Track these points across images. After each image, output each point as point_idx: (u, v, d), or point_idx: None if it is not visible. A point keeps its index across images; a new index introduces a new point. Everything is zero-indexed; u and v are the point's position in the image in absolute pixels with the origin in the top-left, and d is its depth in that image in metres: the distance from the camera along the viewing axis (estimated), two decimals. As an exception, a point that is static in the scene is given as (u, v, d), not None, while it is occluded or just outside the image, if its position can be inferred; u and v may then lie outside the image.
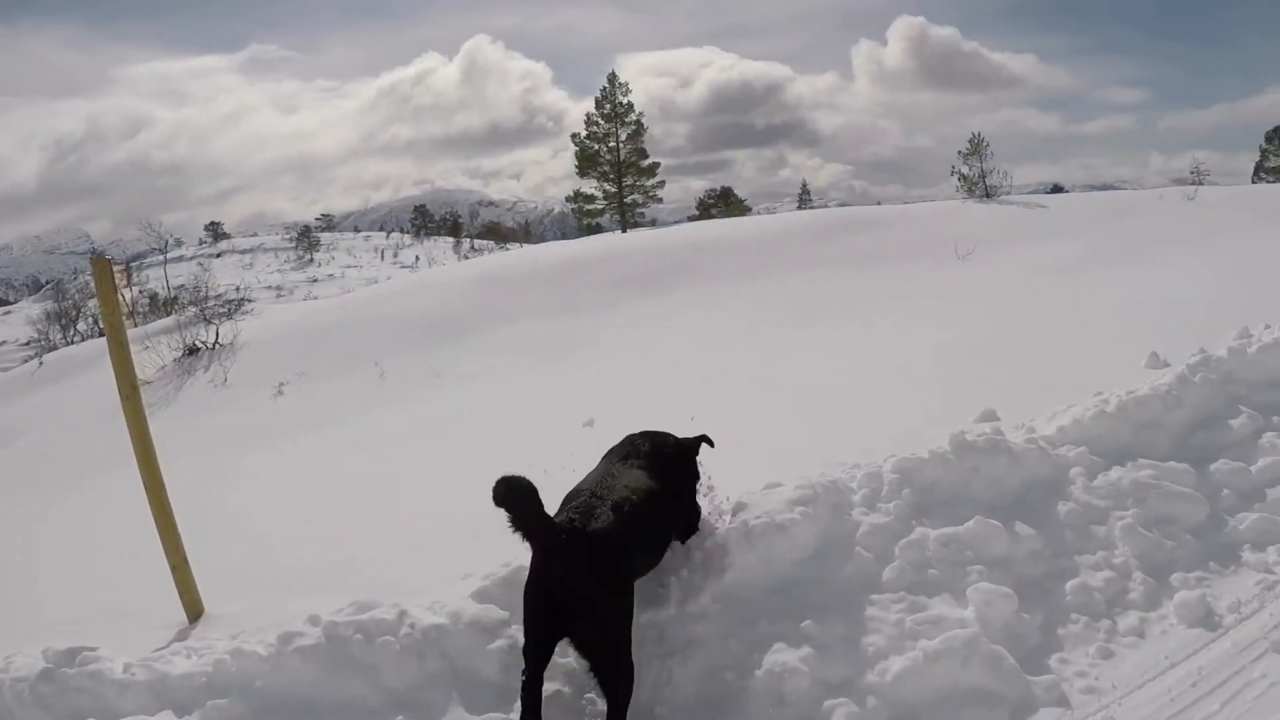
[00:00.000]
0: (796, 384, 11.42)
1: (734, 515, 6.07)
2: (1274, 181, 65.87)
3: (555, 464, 7.87)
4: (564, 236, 73.85)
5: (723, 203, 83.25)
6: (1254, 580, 6.08)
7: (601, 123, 61.84)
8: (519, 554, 5.63)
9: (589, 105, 63.39)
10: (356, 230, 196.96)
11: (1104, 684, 5.16)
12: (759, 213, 73.96)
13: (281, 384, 18.73)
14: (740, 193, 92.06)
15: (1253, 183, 66.45)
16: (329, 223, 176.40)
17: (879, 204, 56.50)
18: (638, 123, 62.34)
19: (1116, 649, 5.46)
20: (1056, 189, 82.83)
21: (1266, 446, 7.47)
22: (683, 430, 6.54)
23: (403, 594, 5.74)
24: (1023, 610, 5.57)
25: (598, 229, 60.83)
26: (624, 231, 52.78)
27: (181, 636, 6.10)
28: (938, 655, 5.05)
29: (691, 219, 73.18)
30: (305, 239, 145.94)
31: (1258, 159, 77.21)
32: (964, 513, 6.29)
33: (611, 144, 61.90)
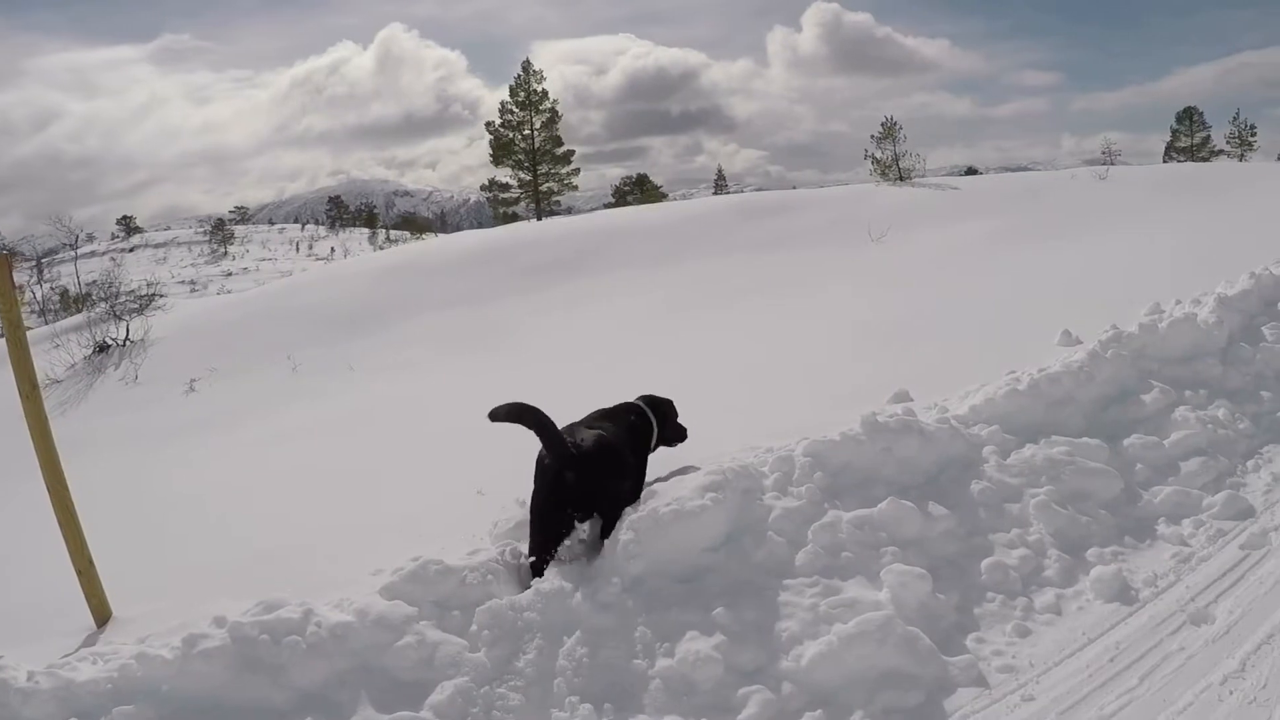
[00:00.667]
0: (710, 368, 11.45)
1: (644, 503, 6.00)
2: (1184, 161, 67.11)
3: (473, 457, 7.84)
4: (480, 226, 73.75)
5: (639, 190, 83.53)
6: (1169, 554, 6.13)
7: (516, 111, 61.70)
8: (427, 548, 5.89)
9: (504, 94, 63.36)
10: (271, 223, 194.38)
11: (1021, 662, 5.15)
12: (675, 199, 74.23)
13: (193, 380, 18.62)
14: (656, 180, 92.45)
15: (1164, 162, 67.73)
16: (243, 215, 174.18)
17: (794, 188, 56.89)
18: (552, 110, 62.29)
19: (1033, 626, 5.45)
20: (970, 171, 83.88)
21: (1179, 420, 7.59)
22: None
23: (313, 592, 5.63)
24: (938, 590, 5.55)
25: (513, 218, 60.76)
26: (539, 220, 52.74)
27: (89, 642, 5.93)
28: (852, 638, 5.01)
29: (608, 206, 73.29)
30: (219, 232, 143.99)
31: (1168, 139, 78.61)
32: (877, 494, 6.28)
33: (526, 132, 61.80)
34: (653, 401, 7.12)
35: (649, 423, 6.93)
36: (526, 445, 7.38)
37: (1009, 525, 6.28)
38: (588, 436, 6.16)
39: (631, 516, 5.86)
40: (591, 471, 5.97)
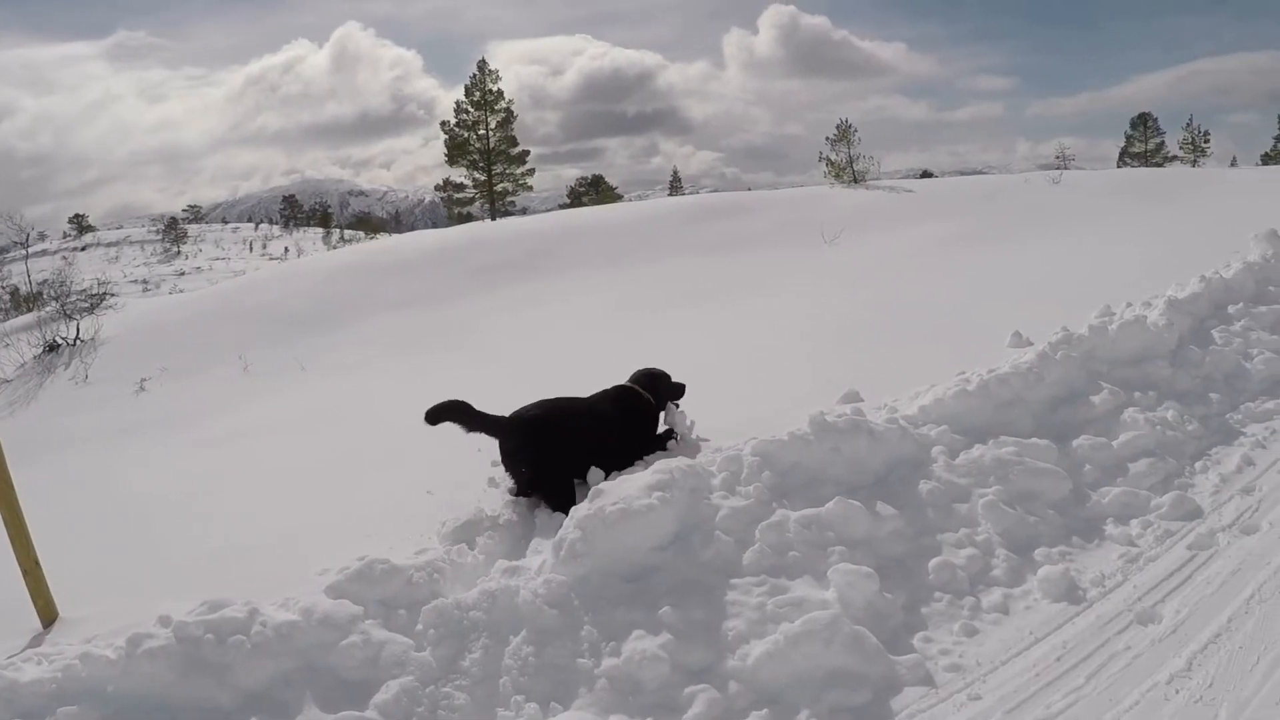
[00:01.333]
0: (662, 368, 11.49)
1: (591, 502, 6.01)
2: (1138, 166, 67.82)
3: (423, 457, 7.82)
4: (435, 226, 73.74)
5: (594, 191, 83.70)
6: (1117, 553, 6.21)
7: (471, 111, 61.68)
8: (373, 547, 5.98)
9: (460, 93, 63.33)
10: (225, 222, 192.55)
11: (968, 661, 5.20)
12: (631, 200, 74.37)
13: (144, 380, 18.55)
14: (612, 181, 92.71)
15: (1118, 167, 68.43)
16: (196, 214, 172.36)
17: (750, 190, 57.09)
18: (508, 110, 62.31)
19: (980, 626, 5.50)
20: (926, 174, 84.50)
21: (1128, 421, 7.68)
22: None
23: (260, 592, 5.62)
24: (885, 590, 5.58)
25: (468, 218, 60.73)
26: (493, 220, 52.69)
27: (34, 643, 5.87)
28: (799, 638, 5.04)
29: (563, 207, 73.31)
30: (172, 231, 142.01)
31: (1123, 145, 79.46)
32: (825, 494, 6.31)
33: (481, 132, 61.81)
34: (642, 376, 8.24)
35: (638, 395, 8.01)
36: (475, 446, 7.41)
37: (957, 525, 6.33)
38: (528, 410, 7.47)
39: (579, 515, 5.88)
40: (519, 438, 7.30)
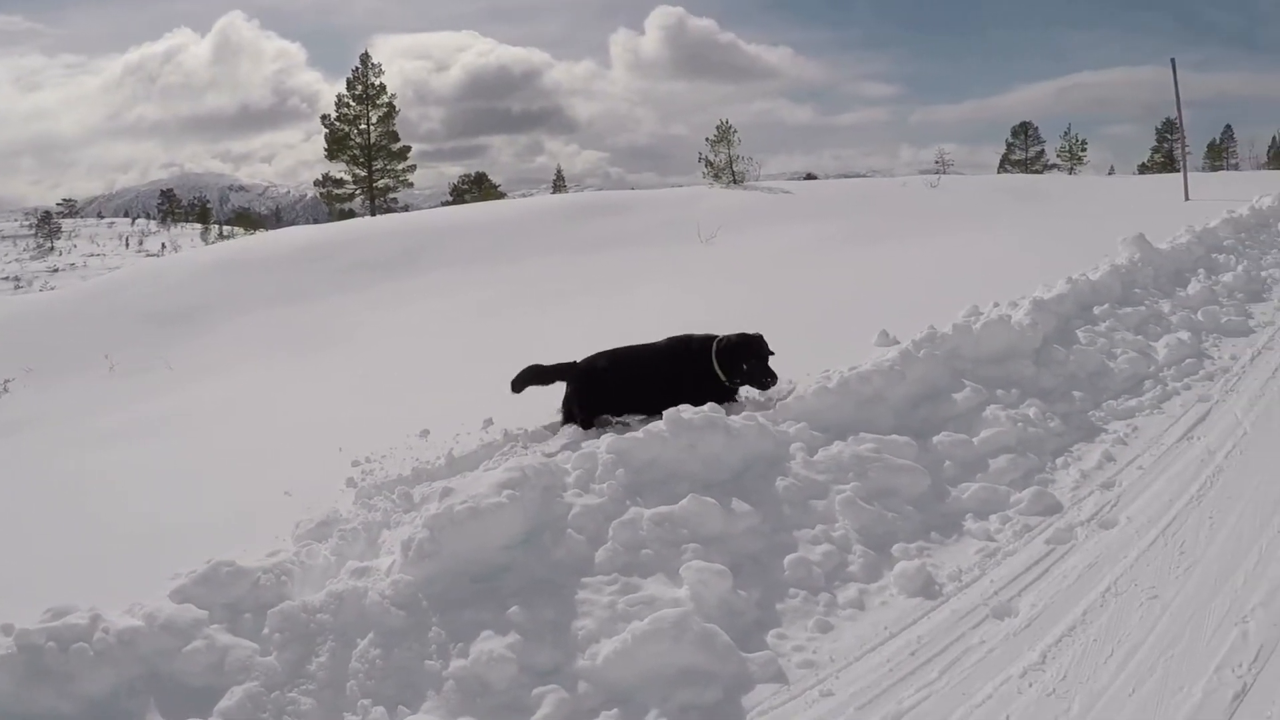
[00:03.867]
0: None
1: (440, 500, 5.97)
2: (1018, 173, 69.45)
3: (284, 458, 7.72)
4: (316, 222, 73.20)
5: (477, 188, 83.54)
6: (975, 549, 6.30)
7: (353, 105, 61.38)
8: (227, 550, 5.93)
9: (343, 87, 62.85)
10: (100, 216, 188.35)
11: (822, 657, 5.23)
12: (515, 198, 74.52)
13: (6, 381, 18.11)
14: (496, 179, 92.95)
15: (999, 173, 69.98)
16: (71, 208, 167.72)
17: (633, 190, 57.33)
18: (390, 105, 62.08)
19: (835, 622, 5.54)
20: (810, 177, 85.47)
21: (989, 418, 7.81)
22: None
23: (111, 597, 5.50)
24: (739, 587, 5.60)
25: (349, 214, 60.28)
26: (373, 216, 52.33)
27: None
28: (647, 636, 5.04)
29: (445, 204, 73.00)
30: (45, 226, 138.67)
31: (1003, 152, 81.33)
32: (680, 491, 6.33)
33: (362, 127, 61.50)
34: (720, 339, 8.58)
35: (689, 351, 8.66)
36: (336, 446, 7.34)
37: (814, 521, 6.38)
38: (590, 359, 8.81)
39: (427, 514, 5.84)
40: (574, 385, 8.71)
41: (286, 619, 5.27)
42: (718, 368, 8.39)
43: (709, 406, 7.22)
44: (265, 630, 5.25)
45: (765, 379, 8.40)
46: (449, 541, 5.66)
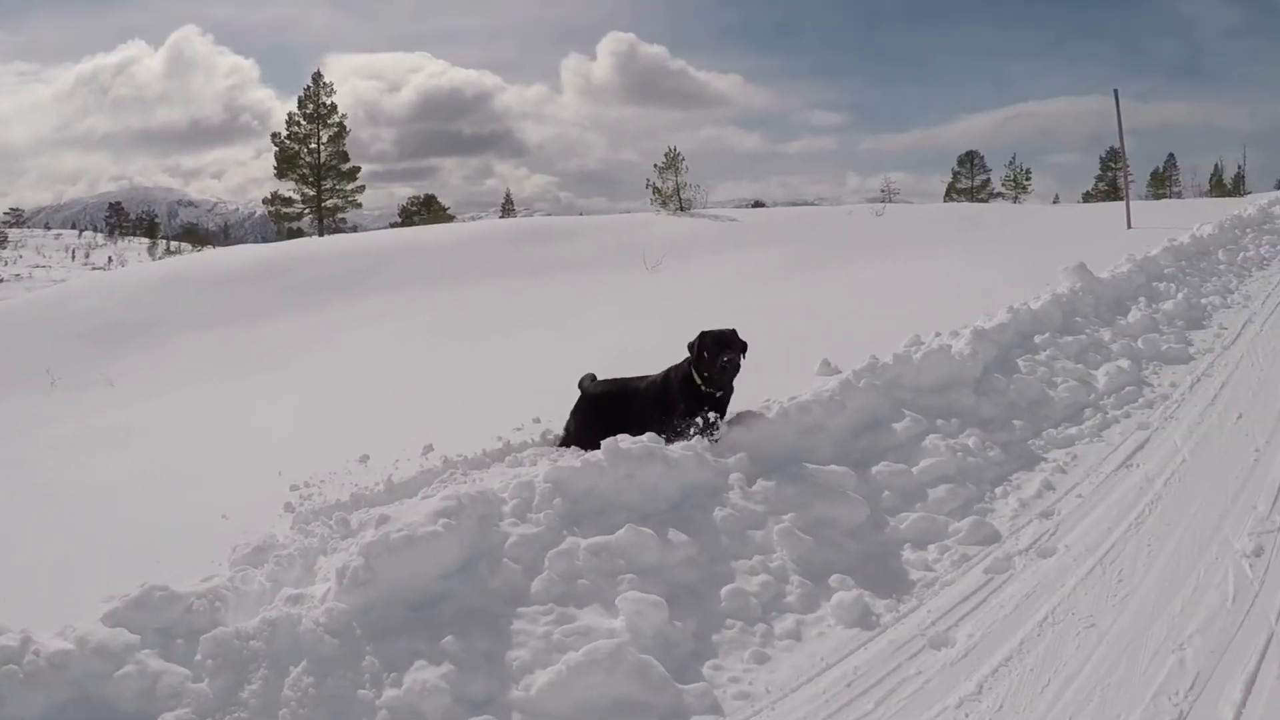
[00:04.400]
0: (477, 390, 11.57)
1: (376, 528, 5.92)
2: (964, 201, 70.14)
3: (223, 480, 7.63)
4: (265, 240, 72.87)
5: (426, 210, 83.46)
6: (913, 578, 6.32)
7: (303, 123, 61.19)
8: (163, 572, 5.84)
9: (295, 105, 62.70)
10: (48, 227, 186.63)
11: (758, 689, 5.23)
12: (464, 221, 74.35)
13: (-57, 396, 17.82)
14: (445, 201, 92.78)
15: (945, 202, 70.67)
16: (18, 218, 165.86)
17: (581, 215, 57.46)
18: (340, 125, 61.94)
19: (772, 653, 5.54)
20: (758, 204, 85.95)
21: (929, 448, 7.85)
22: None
23: (44, 619, 5.40)
24: (675, 618, 5.59)
25: (298, 233, 60.05)
26: (320, 236, 52.13)
27: None
28: (581, 667, 5.01)
29: (394, 226, 72.85)
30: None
31: (949, 180, 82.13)
32: (618, 521, 6.31)
33: (313, 145, 61.29)
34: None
35: (668, 378, 8.40)
36: (274, 472, 7.27)
37: (751, 552, 6.37)
38: (591, 385, 8.93)
39: (363, 541, 5.79)
40: (576, 406, 8.85)
41: (219, 645, 5.20)
42: (695, 375, 8.09)
43: (648, 436, 7.20)
44: (198, 656, 5.16)
45: (728, 372, 8.04)
46: (384, 570, 5.61)
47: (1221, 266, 16.45)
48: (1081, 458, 8.20)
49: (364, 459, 8.55)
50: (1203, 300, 13.58)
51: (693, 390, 8.03)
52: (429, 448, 8.67)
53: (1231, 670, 4.96)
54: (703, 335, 8.08)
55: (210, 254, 42.54)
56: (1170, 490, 7.38)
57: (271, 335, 20.09)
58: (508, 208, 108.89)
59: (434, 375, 13.78)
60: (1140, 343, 11.05)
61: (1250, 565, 6.05)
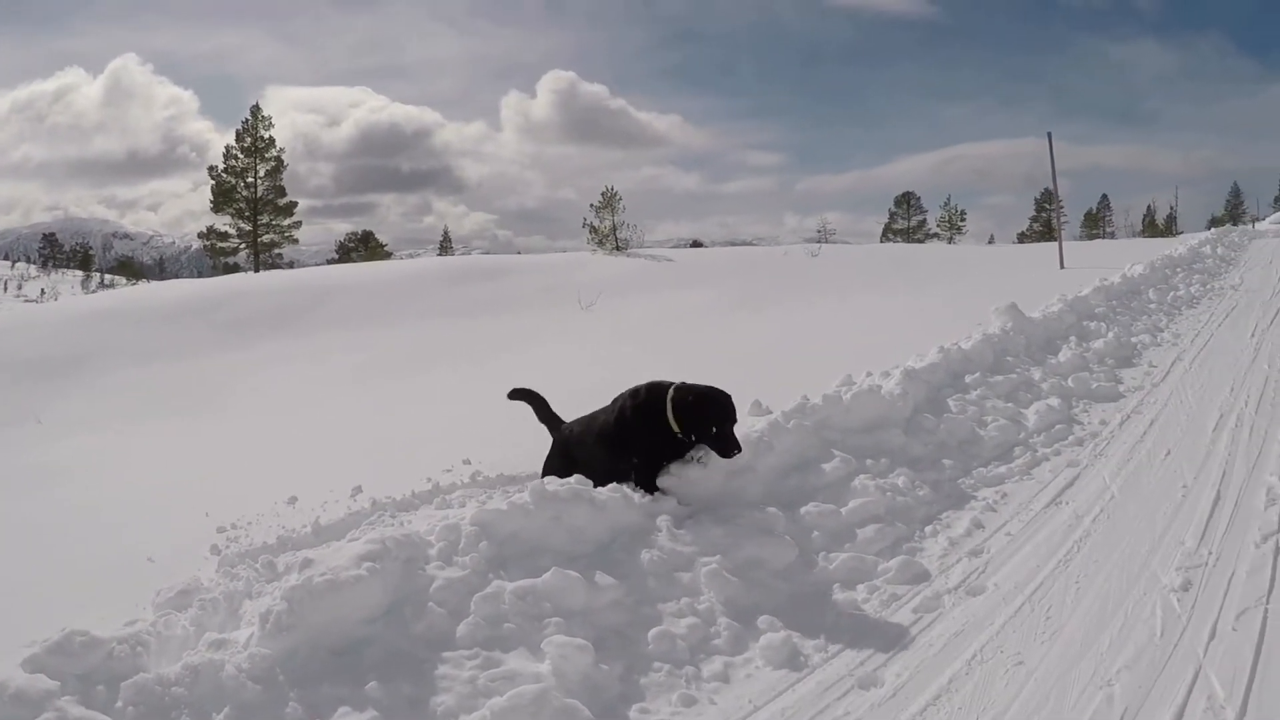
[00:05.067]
0: (409, 430, 11.51)
1: (300, 571, 5.87)
2: (901, 241, 71.00)
3: (149, 522, 7.53)
4: (201, 274, 72.41)
5: (364, 246, 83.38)
6: (842, 619, 6.30)
7: (241, 157, 61.14)
8: (85, 617, 5.81)
9: (233, 138, 62.47)
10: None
11: (685, 732, 5.20)
12: (401, 258, 74.31)
13: None
14: (383, 237, 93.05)
15: (882, 242, 71.50)
16: None
17: (519, 253, 57.68)
18: (278, 159, 61.91)
19: (699, 695, 5.49)
20: (696, 244, 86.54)
21: (858, 488, 7.86)
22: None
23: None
24: (601, 661, 5.54)
25: (234, 268, 59.75)
26: (256, 271, 51.90)
27: None
28: (506, 712, 4.96)
29: (331, 262, 72.72)
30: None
31: (886, 221, 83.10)
32: (544, 564, 6.25)
33: (250, 179, 61.17)
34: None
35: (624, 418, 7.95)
36: (203, 511, 7.19)
37: (679, 594, 6.34)
38: (569, 425, 8.74)
39: (286, 585, 5.73)
40: (553, 446, 8.76)
41: (140, 691, 5.11)
42: (672, 419, 7.66)
43: (576, 478, 7.18)
44: (119, 703, 5.06)
45: (731, 449, 7.59)
46: (307, 614, 5.55)
47: (1152, 305, 16.78)
48: (1011, 496, 8.26)
49: (292, 500, 8.50)
50: (1133, 339, 13.81)
51: (663, 431, 7.71)
52: (358, 489, 8.64)
53: (1159, 704, 4.97)
54: (714, 398, 7.75)
55: (145, 288, 42.31)
56: (1099, 527, 7.44)
57: (204, 372, 20.00)
58: (446, 245, 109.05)
59: (365, 415, 13.78)
60: (1070, 381, 11.19)
61: (1178, 600, 6.10)
